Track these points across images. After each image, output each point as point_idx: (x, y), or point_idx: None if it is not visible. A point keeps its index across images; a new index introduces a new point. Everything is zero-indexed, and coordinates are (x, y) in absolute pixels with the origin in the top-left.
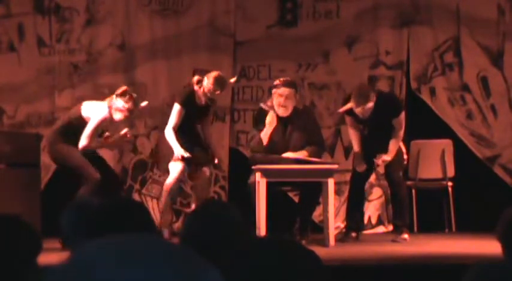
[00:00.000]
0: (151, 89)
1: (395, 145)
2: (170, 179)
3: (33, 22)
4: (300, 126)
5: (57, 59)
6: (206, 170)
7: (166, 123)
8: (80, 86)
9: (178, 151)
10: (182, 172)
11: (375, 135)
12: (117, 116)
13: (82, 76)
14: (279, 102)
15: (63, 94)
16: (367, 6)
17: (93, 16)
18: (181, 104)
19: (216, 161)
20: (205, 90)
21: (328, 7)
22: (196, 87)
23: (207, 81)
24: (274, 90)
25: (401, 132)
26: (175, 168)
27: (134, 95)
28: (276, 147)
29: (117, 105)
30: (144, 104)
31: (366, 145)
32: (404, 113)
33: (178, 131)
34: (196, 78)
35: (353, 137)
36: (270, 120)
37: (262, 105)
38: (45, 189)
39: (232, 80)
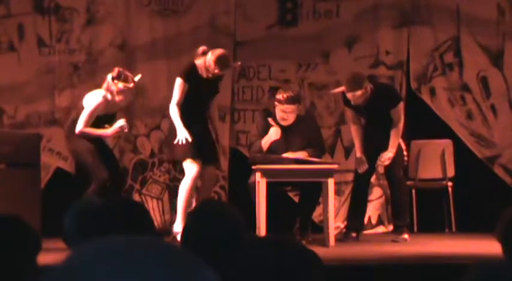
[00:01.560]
0: (151, 89)
1: (395, 138)
2: (187, 181)
3: (33, 22)
4: (301, 132)
5: (57, 59)
6: (212, 169)
7: (166, 124)
8: (80, 86)
9: (181, 132)
10: (198, 172)
11: (375, 129)
12: (120, 97)
13: (82, 76)
14: (281, 117)
15: (63, 94)
16: (367, 6)
17: (93, 16)
18: (182, 77)
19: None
20: (206, 64)
21: (328, 7)
22: (198, 61)
23: (210, 57)
24: (276, 103)
25: (401, 125)
26: (191, 168)
27: (128, 73)
28: (276, 151)
29: (118, 87)
30: (137, 78)
31: (367, 140)
32: (402, 105)
33: (186, 115)
34: (201, 48)
35: (355, 135)
36: (275, 133)
37: (269, 120)
38: (45, 189)
39: (238, 63)
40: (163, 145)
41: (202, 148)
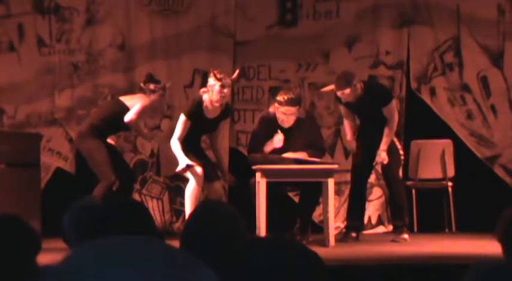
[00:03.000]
0: None
1: (388, 136)
2: (192, 185)
3: (33, 22)
4: (301, 132)
5: (57, 59)
6: (217, 185)
7: (166, 124)
8: (80, 86)
9: (183, 160)
10: (202, 176)
11: (370, 128)
12: (153, 96)
13: (82, 76)
14: (282, 119)
15: (63, 94)
16: (367, 6)
17: (93, 16)
18: (186, 115)
19: (230, 179)
20: (209, 86)
21: (328, 7)
22: (205, 97)
23: (209, 80)
24: (277, 105)
25: (394, 123)
26: (194, 173)
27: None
28: (276, 151)
29: (150, 88)
30: (168, 84)
31: (362, 139)
32: (395, 103)
33: (183, 143)
34: (201, 90)
35: (346, 126)
36: (278, 141)
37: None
38: (45, 189)
39: (234, 75)
40: (160, 165)
41: (203, 166)
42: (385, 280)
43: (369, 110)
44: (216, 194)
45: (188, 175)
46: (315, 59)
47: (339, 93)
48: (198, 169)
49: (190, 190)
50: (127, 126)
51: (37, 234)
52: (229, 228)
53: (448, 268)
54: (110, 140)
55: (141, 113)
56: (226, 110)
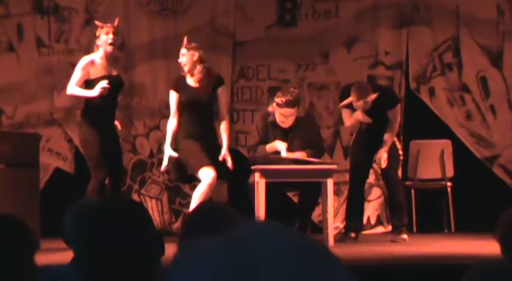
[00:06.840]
0: (150, 89)
1: (390, 137)
2: (203, 186)
3: (33, 22)
4: (301, 132)
5: (56, 59)
6: (222, 185)
7: (165, 124)
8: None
9: (168, 152)
10: (215, 179)
11: (372, 130)
12: (109, 48)
13: None
14: (281, 120)
15: (62, 94)
16: (367, 6)
17: (92, 16)
18: None
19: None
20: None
21: (328, 7)
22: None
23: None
24: (275, 106)
25: (396, 126)
26: (207, 174)
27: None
28: (276, 151)
29: (102, 41)
30: (116, 21)
31: (363, 140)
32: (399, 106)
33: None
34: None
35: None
36: (280, 146)
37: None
38: (45, 189)
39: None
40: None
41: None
42: (384, 280)
43: (374, 113)
44: (219, 195)
45: (200, 175)
46: (314, 59)
47: (359, 103)
48: (212, 172)
49: (202, 191)
50: (108, 103)
51: (33, 233)
52: (229, 229)
53: (447, 268)
54: (117, 123)
55: (79, 77)
56: None
